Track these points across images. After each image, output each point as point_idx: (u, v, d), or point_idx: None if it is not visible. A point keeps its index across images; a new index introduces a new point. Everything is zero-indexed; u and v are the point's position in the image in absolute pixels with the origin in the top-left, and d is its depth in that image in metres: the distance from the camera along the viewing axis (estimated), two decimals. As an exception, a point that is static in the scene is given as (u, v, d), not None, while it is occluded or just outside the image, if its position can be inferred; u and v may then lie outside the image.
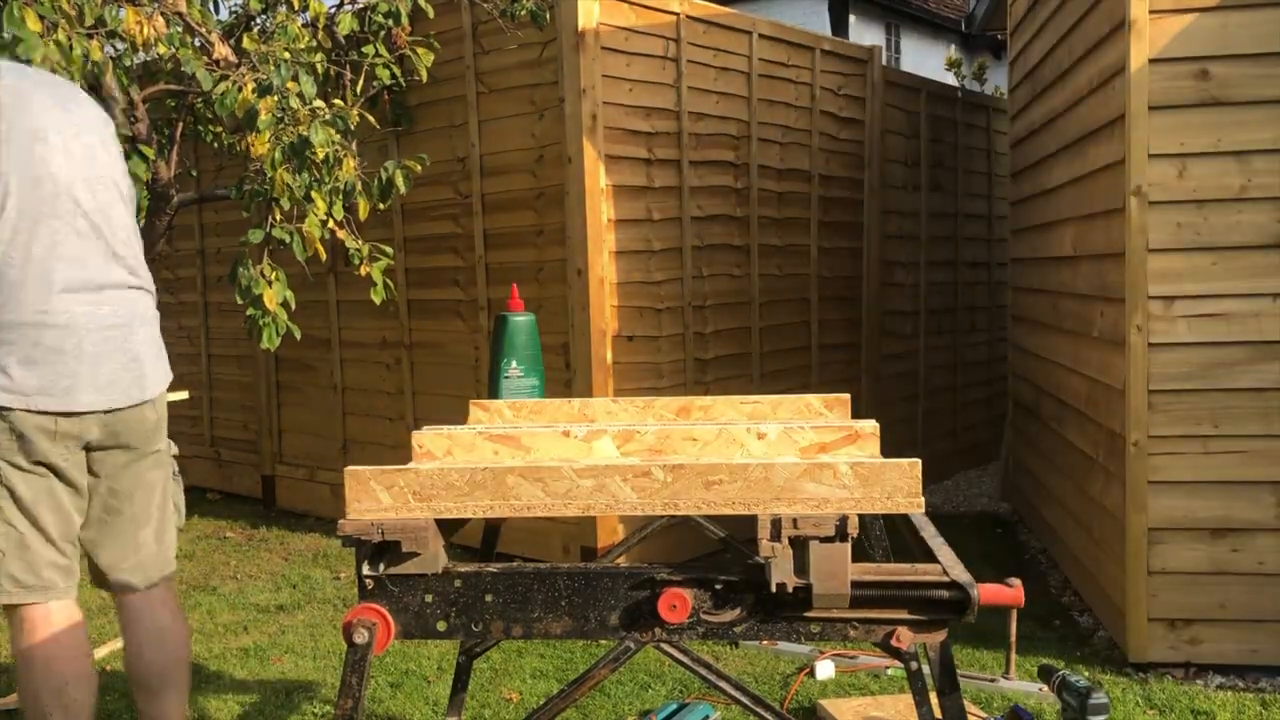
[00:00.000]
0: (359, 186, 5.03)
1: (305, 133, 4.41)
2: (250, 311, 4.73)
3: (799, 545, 1.93)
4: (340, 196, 5.00)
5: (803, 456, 2.36)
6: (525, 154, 5.61)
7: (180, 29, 4.99)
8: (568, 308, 5.43)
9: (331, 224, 5.11)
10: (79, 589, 2.87)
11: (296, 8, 5.54)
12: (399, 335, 6.34)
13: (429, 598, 2.04)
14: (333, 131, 4.54)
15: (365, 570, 2.03)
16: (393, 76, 5.69)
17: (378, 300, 5.35)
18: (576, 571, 2.03)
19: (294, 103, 4.58)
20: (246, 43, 5.30)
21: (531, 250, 5.63)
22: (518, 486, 1.96)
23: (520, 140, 5.63)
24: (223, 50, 4.99)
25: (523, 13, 5.28)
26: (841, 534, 1.92)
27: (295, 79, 4.50)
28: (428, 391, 6.25)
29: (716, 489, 1.95)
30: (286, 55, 4.85)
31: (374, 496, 1.98)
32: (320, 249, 5.01)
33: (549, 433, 2.41)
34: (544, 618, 2.04)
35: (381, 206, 5.20)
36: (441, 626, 2.05)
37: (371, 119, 5.69)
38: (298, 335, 5.09)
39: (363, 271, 5.26)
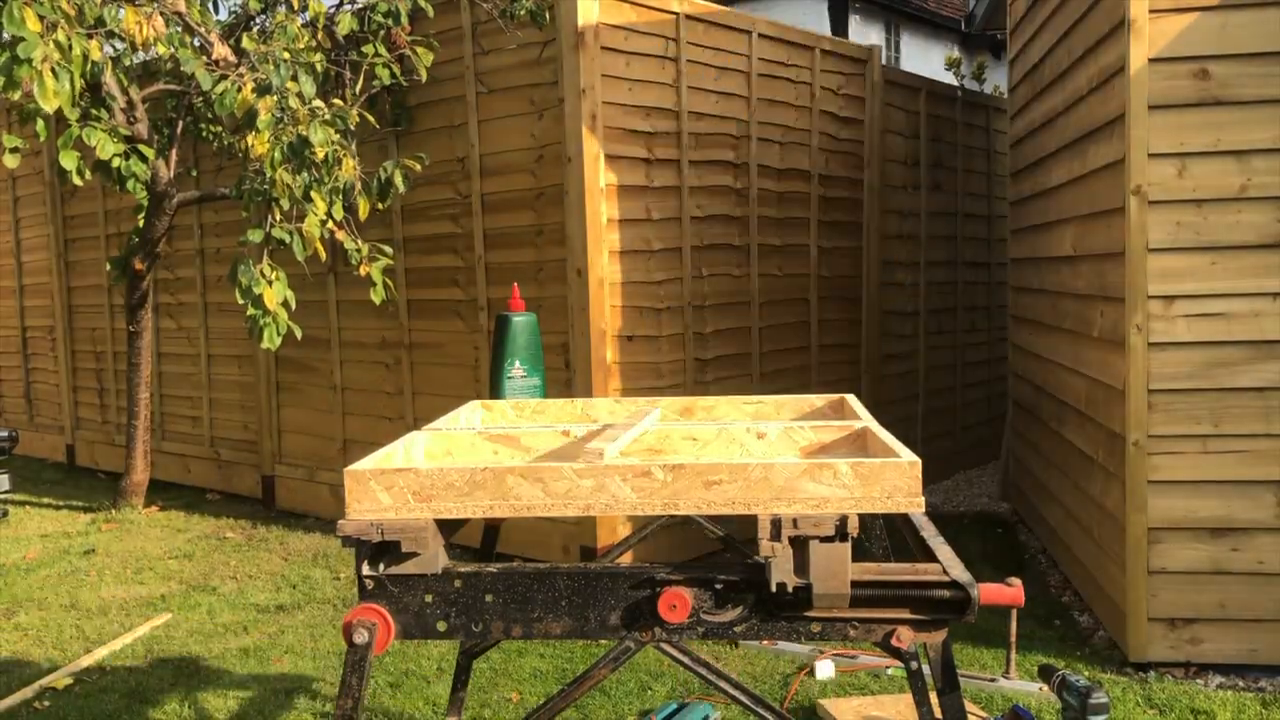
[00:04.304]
0: (358, 186, 5.03)
1: (305, 132, 4.41)
2: (251, 311, 4.73)
3: (799, 545, 1.93)
4: (340, 196, 5.01)
5: (803, 456, 2.36)
6: (525, 154, 5.61)
7: (179, 29, 5.00)
8: (567, 307, 5.42)
9: (331, 224, 5.12)
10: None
11: (296, 8, 5.55)
12: (399, 335, 6.34)
13: (429, 598, 2.04)
14: (332, 131, 4.54)
15: (365, 570, 2.02)
16: (392, 76, 5.68)
17: (377, 300, 5.35)
18: (576, 571, 2.03)
19: (293, 102, 4.58)
20: (246, 43, 5.30)
21: (531, 250, 5.63)
22: (518, 486, 1.96)
23: (520, 140, 5.62)
24: (222, 50, 4.99)
25: (522, 12, 5.28)
26: (841, 534, 1.92)
27: (295, 79, 4.51)
28: (427, 392, 6.25)
29: (716, 489, 1.95)
30: (286, 55, 4.85)
31: (374, 497, 1.98)
32: (320, 248, 5.01)
33: (549, 433, 2.42)
34: (544, 618, 2.03)
35: (381, 206, 5.20)
36: (441, 627, 2.05)
37: (371, 119, 5.69)
38: (298, 335, 5.09)
39: (362, 271, 5.26)
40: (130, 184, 5.35)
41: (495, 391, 3.07)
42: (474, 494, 1.97)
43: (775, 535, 1.92)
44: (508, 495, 1.97)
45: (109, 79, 5.25)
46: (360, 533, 1.98)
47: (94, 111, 5.33)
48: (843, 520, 1.92)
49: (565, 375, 5.44)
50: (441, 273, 6.11)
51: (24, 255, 9.53)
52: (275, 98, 4.48)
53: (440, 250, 6.09)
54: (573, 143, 5.31)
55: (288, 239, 4.80)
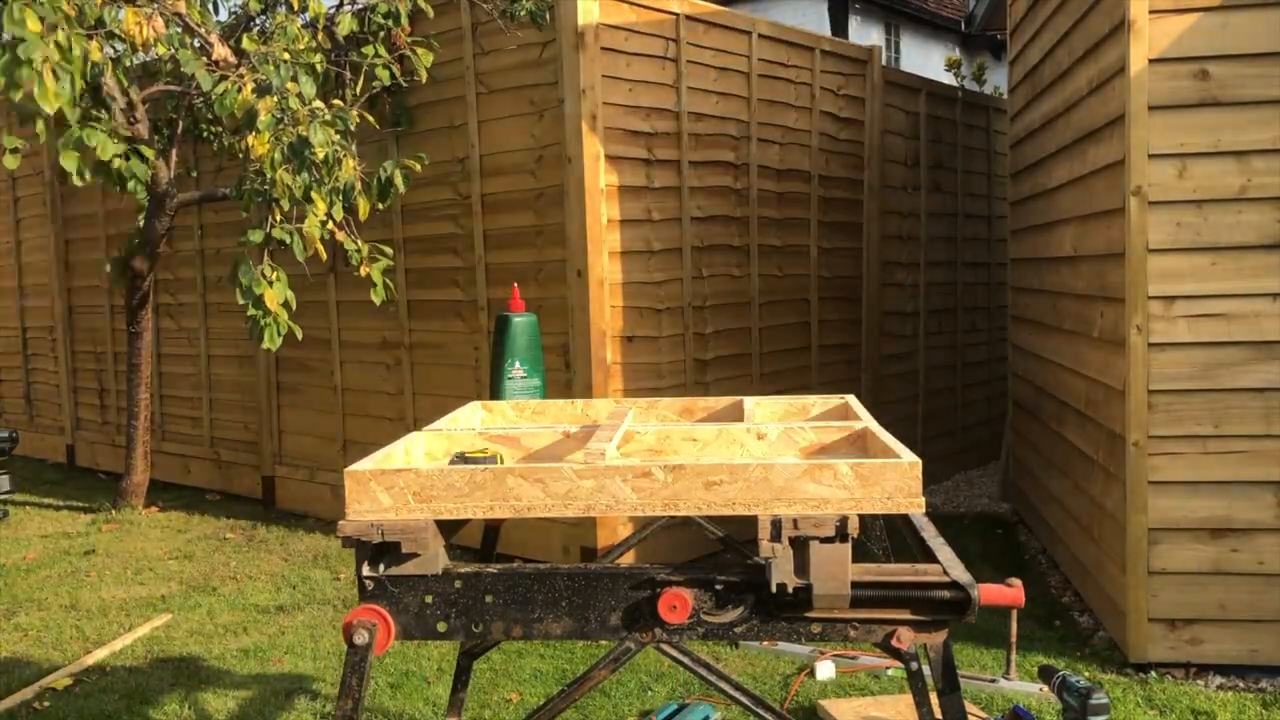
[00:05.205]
0: (358, 186, 5.03)
1: (305, 133, 4.41)
2: (251, 312, 4.73)
3: (799, 545, 1.93)
4: (340, 196, 5.01)
5: (803, 457, 2.36)
6: (525, 154, 5.60)
7: (179, 30, 5.00)
8: (567, 308, 5.42)
9: (331, 225, 5.11)
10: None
11: (296, 9, 5.55)
12: (399, 336, 6.34)
13: (429, 599, 2.04)
14: (332, 132, 4.54)
15: (365, 571, 2.02)
16: (392, 77, 5.68)
17: (378, 301, 5.35)
18: (576, 572, 2.03)
19: (293, 103, 4.58)
20: (246, 43, 5.29)
21: (531, 251, 5.62)
22: (518, 487, 1.96)
23: (520, 140, 5.62)
24: (222, 51, 4.99)
25: (522, 13, 5.28)
26: (842, 534, 1.92)
27: (295, 79, 4.50)
28: (428, 392, 6.25)
29: (717, 489, 1.95)
30: (286, 56, 4.85)
31: (374, 497, 1.98)
32: (320, 249, 5.01)
33: (549, 433, 2.42)
34: (544, 618, 2.03)
35: (380, 206, 5.20)
36: (442, 627, 2.05)
37: (371, 119, 5.69)
38: (299, 335, 5.08)
39: (363, 272, 5.26)
40: (131, 185, 5.35)
41: (495, 392, 3.07)
42: (474, 495, 1.97)
43: (775, 536, 1.92)
44: (508, 496, 1.97)
45: (109, 80, 5.25)
46: (360, 533, 1.98)
47: (94, 112, 5.33)
48: (843, 521, 1.92)
49: (565, 376, 5.44)
50: (442, 273, 6.11)
51: (24, 256, 9.53)
52: (275, 98, 4.48)
53: (441, 251, 6.09)
54: (573, 143, 5.31)
55: (288, 240, 4.80)
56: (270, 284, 4.69)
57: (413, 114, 6.07)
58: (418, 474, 1.97)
